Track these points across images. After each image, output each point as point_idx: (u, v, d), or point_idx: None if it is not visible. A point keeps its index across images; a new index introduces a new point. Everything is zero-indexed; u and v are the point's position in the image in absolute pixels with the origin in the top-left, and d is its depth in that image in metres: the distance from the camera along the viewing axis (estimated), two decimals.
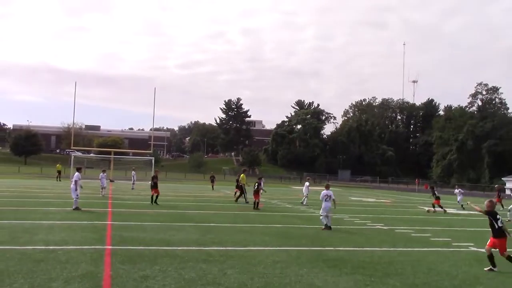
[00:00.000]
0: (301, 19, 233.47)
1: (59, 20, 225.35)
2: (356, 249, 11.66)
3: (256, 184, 23.53)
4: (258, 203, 22.70)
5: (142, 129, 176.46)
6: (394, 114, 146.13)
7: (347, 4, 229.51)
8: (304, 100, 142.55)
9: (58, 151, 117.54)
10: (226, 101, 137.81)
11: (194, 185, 52.99)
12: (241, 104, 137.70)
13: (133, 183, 37.08)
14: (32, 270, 7.89)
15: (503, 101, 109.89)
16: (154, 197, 22.45)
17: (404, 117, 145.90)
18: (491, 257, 9.49)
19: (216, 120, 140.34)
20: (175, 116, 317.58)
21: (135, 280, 7.51)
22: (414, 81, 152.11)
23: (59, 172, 47.56)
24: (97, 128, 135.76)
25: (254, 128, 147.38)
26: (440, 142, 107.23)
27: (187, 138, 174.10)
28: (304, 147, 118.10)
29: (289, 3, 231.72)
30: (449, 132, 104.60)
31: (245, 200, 25.87)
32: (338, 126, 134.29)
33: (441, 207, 25.23)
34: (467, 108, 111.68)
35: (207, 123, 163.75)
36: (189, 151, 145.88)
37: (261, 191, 24.11)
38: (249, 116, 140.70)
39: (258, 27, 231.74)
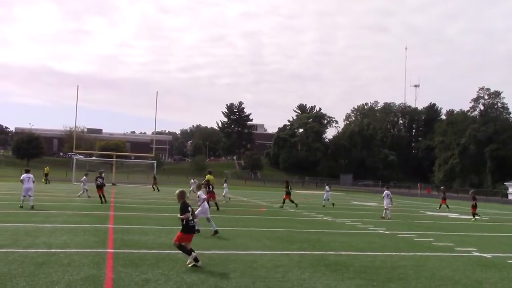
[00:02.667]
0: (301, 22, 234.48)
1: (60, 23, 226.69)
2: (358, 253, 11.62)
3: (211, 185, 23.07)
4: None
5: (144, 133, 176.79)
6: (396, 118, 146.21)
7: (347, 8, 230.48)
8: (306, 104, 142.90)
9: (61, 154, 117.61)
10: (228, 104, 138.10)
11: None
12: (243, 108, 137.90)
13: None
14: (34, 273, 7.88)
15: (505, 105, 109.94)
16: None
17: (406, 121, 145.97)
18: None
19: (218, 124, 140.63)
20: (177, 119, 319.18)
21: (137, 284, 7.50)
22: (416, 85, 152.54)
23: (46, 174, 47.89)
24: (99, 131, 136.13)
25: (256, 131, 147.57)
26: (442, 146, 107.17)
27: (189, 142, 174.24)
28: (306, 151, 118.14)
29: (288, 7, 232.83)
30: (451, 136, 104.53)
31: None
32: (340, 130, 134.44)
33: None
34: (469, 113, 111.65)
35: (209, 126, 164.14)
36: (191, 155, 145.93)
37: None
38: (251, 120, 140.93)
39: (258, 30, 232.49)
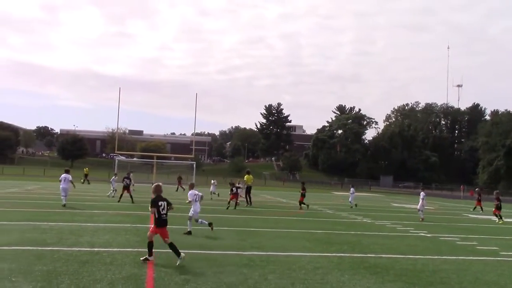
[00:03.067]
0: (339, 22, 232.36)
1: (103, 27, 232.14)
2: (398, 256, 11.44)
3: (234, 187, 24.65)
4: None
5: (184, 134, 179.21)
6: (438, 119, 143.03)
7: (386, 7, 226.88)
8: (345, 105, 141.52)
9: (103, 155, 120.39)
10: (267, 106, 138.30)
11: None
12: (282, 109, 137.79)
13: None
14: (78, 271, 8.10)
15: None
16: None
17: (449, 122, 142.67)
18: None
19: (256, 125, 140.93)
20: (216, 121, 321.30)
21: (177, 283, 7.60)
22: (458, 85, 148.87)
23: (86, 175, 49.07)
24: (140, 133, 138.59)
25: (295, 133, 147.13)
26: (486, 147, 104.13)
27: (228, 143, 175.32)
28: (345, 152, 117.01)
29: (326, 7, 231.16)
30: (496, 137, 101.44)
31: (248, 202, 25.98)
32: (380, 131, 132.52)
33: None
34: None
35: (247, 128, 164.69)
36: (229, 156, 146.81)
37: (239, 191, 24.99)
38: (290, 121, 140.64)
39: (297, 31, 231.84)
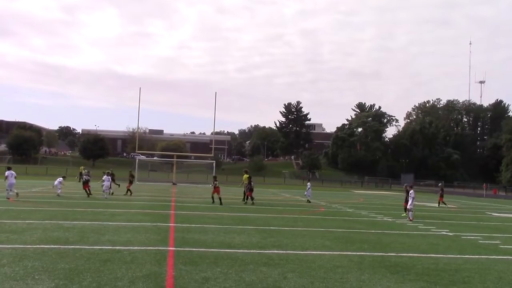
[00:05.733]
0: (359, 19, 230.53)
1: (122, 27, 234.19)
2: (420, 255, 11.32)
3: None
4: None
5: (204, 133, 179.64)
6: (459, 116, 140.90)
7: (408, 2, 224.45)
8: (365, 103, 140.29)
9: (124, 154, 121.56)
10: (286, 104, 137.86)
11: (254, 188, 53.05)
12: (301, 107, 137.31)
13: None
14: (99, 269, 8.20)
15: None
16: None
17: (471, 119, 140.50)
18: None
19: (275, 124, 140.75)
20: (235, 119, 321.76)
21: (197, 282, 7.64)
22: (481, 82, 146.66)
23: (80, 173, 48.85)
24: (160, 132, 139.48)
25: (314, 131, 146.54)
26: (510, 145, 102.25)
27: (247, 142, 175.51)
28: (365, 151, 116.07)
29: (346, 3, 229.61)
30: None
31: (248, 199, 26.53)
32: (400, 129, 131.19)
33: None
34: None
35: (267, 126, 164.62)
36: (249, 155, 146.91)
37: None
38: (309, 119, 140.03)
39: (316, 28, 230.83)
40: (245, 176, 27.52)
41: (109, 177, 27.14)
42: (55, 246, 10.22)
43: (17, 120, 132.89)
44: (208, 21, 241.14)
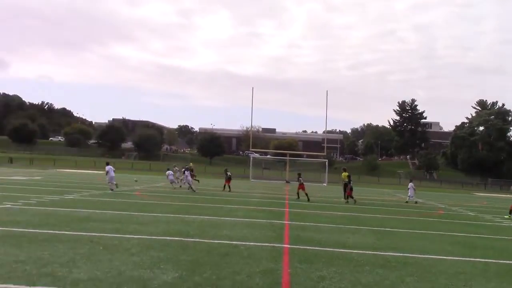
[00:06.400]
0: (478, 10, 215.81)
1: (234, 28, 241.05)
2: None
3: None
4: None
5: (315, 132, 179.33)
6: None
7: None
8: (486, 100, 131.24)
9: (239, 152, 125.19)
10: (400, 102, 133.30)
11: (368, 188, 52.11)
12: (416, 105, 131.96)
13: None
14: (218, 262, 8.53)
15: None
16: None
17: None
18: None
19: (389, 122, 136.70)
20: (347, 118, 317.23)
21: (312, 280, 7.66)
22: None
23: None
24: (273, 131, 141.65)
25: (431, 130, 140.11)
26: None
27: (360, 141, 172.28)
28: (488, 151, 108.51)
29: None
30: None
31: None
32: None
33: None
34: None
35: (380, 125, 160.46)
36: (362, 154, 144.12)
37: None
38: (425, 118, 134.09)
39: (430, 22, 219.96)
40: (344, 174, 27.43)
41: (188, 171, 29.12)
42: (178, 239, 10.80)
43: (141, 119, 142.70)
44: (317, 19, 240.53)
